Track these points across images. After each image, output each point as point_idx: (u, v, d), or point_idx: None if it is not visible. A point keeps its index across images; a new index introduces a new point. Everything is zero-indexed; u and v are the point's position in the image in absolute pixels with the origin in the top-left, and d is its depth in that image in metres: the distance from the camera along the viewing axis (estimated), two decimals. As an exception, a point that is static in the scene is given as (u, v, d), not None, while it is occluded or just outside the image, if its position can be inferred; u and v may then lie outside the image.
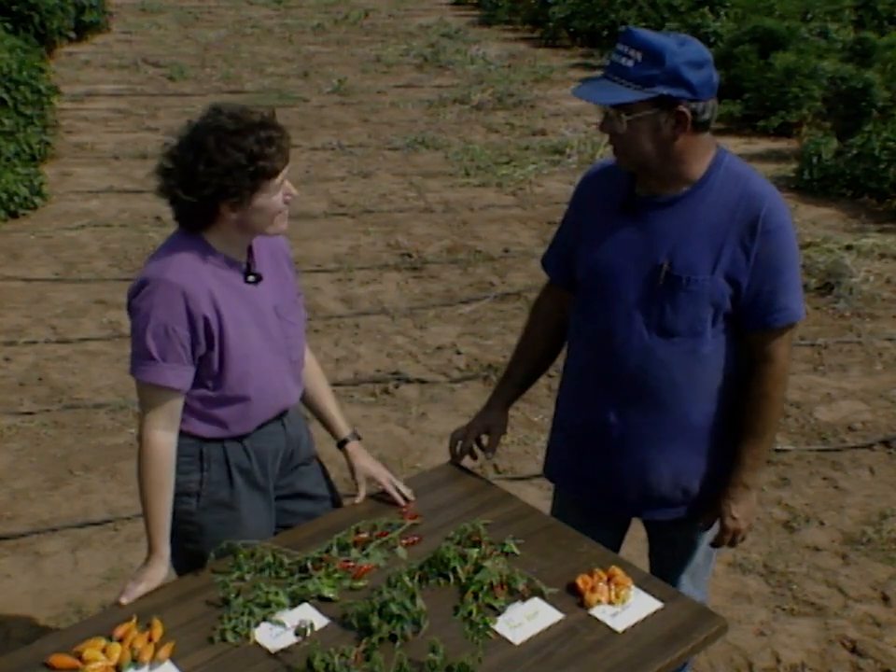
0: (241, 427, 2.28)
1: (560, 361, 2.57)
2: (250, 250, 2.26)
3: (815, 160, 7.88)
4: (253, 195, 2.12)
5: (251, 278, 2.25)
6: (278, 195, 2.16)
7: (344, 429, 2.53)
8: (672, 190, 2.21)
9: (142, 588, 2.11)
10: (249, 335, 2.22)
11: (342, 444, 2.53)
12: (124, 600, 2.08)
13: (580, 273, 2.37)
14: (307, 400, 2.51)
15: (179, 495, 2.23)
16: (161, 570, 2.16)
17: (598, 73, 2.23)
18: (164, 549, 2.18)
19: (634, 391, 2.29)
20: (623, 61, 2.09)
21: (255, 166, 2.09)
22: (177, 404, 2.18)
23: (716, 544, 2.42)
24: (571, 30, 14.07)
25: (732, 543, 2.40)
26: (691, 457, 2.33)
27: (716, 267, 2.17)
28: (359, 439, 2.55)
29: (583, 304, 2.37)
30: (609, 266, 2.27)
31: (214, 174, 2.07)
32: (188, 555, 2.26)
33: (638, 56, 2.07)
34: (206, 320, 2.13)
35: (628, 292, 2.25)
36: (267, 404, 2.31)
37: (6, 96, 7.84)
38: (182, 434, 2.22)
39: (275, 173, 2.13)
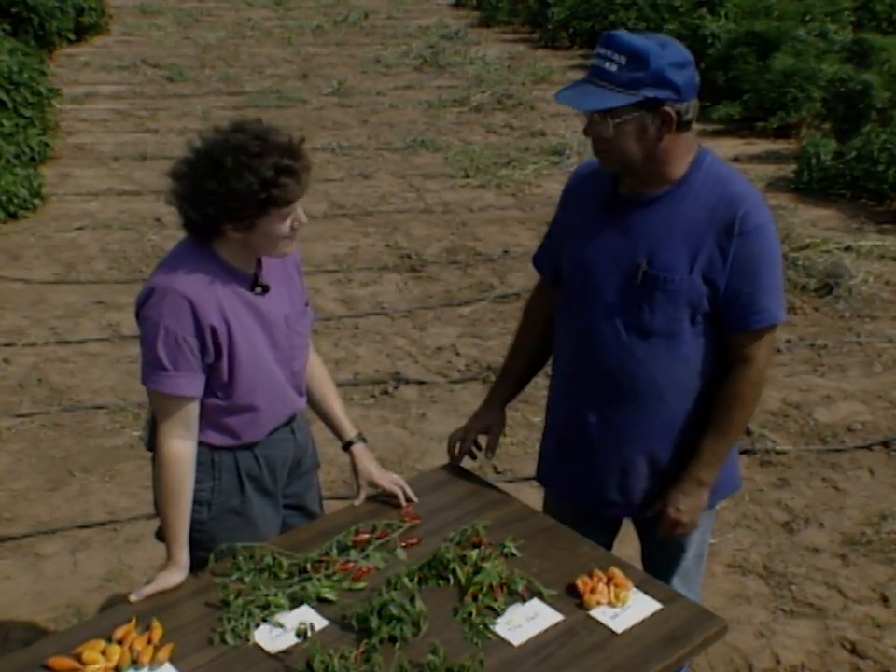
0: (251, 435, 2.29)
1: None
2: (259, 260, 2.25)
3: (814, 161, 7.87)
4: (258, 220, 2.09)
5: (258, 289, 2.23)
6: (286, 223, 2.13)
7: (350, 431, 2.53)
8: (653, 189, 2.21)
9: (151, 588, 2.13)
10: (258, 345, 2.22)
11: (347, 446, 2.53)
12: (133, 598, 2.11)
13: (563, 272, 2.38)
14: (313, 402, 2.51)
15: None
16: (175, 576, 2.17)
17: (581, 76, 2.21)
18: (180, 556, 2.19)
19: (613, 391, 2.29)
20: (607, 65, 2.09)
21: (266, 193, 2.05)
22: (192, 412, 2.18)
23: (660, 534, 2.35)
24: (570, 31, 14.07)
25: (670, 535, 2.33)
26: (671, 458, 2.32)
27: (693, 267, 2.17)
28: (365, 441, 2.55)
29: (566, 303, 2.38)
30: (590, 265, 2.28)
31: (220, 194, 2.04)
32: (199, 562, 2.25)
33: (622, 60, 2.07)
34: (214, 330, 2.13)
35: (608, 291, 2.25)
36: (275, 413, 2.32)
37: (6, 98, 7.83)
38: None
39: (287, 203, 2.09)
